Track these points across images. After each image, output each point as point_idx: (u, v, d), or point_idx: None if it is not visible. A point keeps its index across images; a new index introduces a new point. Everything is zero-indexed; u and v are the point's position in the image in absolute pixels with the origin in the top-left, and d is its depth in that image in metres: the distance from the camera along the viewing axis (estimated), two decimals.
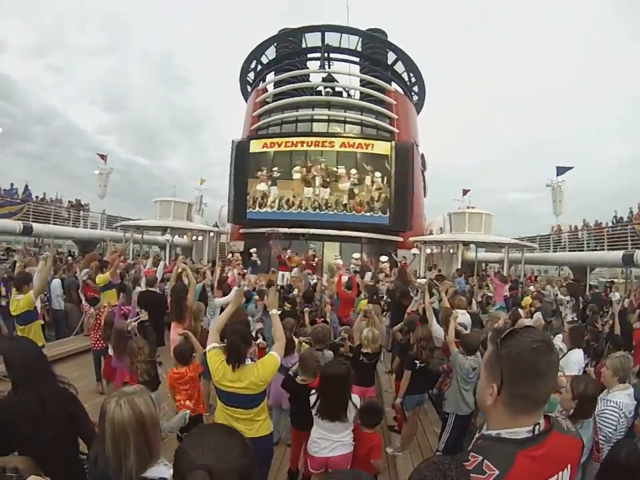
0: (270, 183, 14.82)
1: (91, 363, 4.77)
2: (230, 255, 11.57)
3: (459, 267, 12.50)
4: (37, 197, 15.81)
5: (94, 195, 18.96)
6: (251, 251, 12.03)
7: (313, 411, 2.58)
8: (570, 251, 14.48)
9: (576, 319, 6.68)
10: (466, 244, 13.72)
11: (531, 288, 9.43)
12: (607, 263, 12.36)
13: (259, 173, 14.87)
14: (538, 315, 6.03)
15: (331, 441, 2.54)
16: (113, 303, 5.41)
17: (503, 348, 0.95)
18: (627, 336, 4.88)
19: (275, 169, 14.85)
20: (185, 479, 0.74)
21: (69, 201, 17.52)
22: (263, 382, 2.40)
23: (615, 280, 13.07)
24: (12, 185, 15.02)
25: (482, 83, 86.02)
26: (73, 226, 15.98)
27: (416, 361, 3.58)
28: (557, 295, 8.51)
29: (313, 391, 2.61)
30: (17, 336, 3.98)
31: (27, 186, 15.59)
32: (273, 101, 16.66)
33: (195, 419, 3.04)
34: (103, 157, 19.33)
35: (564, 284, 10.09)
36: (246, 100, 18.63)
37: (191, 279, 5.09)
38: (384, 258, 11.54)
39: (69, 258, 11.01)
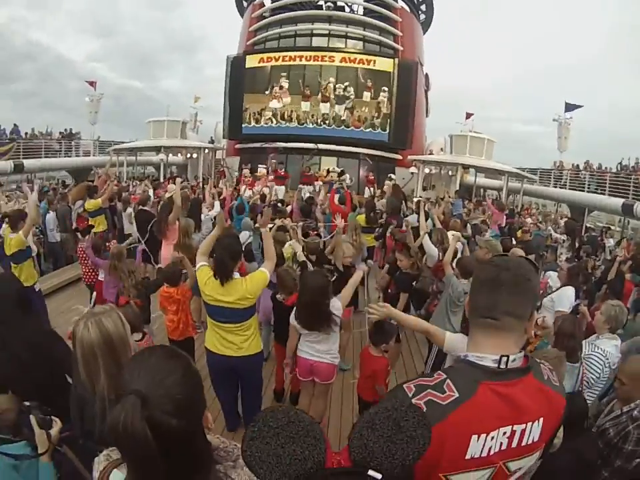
0: (283, 99, 14.23)
1: (86, 292, 4.72)
2: (226, 169, 11.43)
3: (457, 189, 12.39)
4: (25, 133, 15.25)
5: (87, 124, 18.37)
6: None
7: (291, 319, 2.57)
8: (570, 189, 14.17)
9: (569, 258, 6.54)
10: (466, 167, 13.48)
11: (528, 220, 9.22)
12: (606, 208, 12.11)
13: (274, 90, 14.28)
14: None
15: (315, 349, 2.56)
16: (103, 228, 5.46)
17: None
18: (619, 284, 4.89)
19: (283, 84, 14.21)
20: (117, 403, 0.66)
21: (60, 132, 16.95)
22: (251, 296, 2.40)
23: (612, 226, 12.98)
24: None
25: (495, 5, 77.85)
26: (65, 156, 15.52)
27: (413, 284, 3.52)
28: (550, 233, 8.33)
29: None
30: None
31: (15, 125, 15.04)
32: (270, 16, 15.54)
33: (185, 342, 3.13)
34: (92, 83, 18.49)
35: (562, 221, 9.89)
36: (242, 16, 17.44)
37: (177, 199, 4.96)
38: (394, 176, 11.48)
39: (61, 188, 10.72)
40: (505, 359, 0.85)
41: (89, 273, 4.47)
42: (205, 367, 2.60)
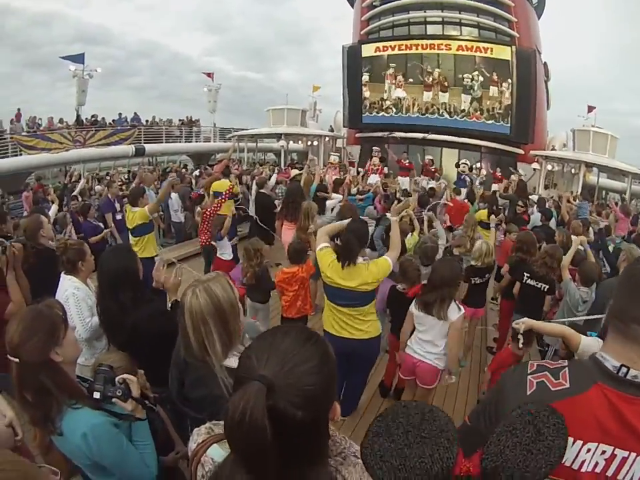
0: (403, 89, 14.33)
1: (202, 265, 4.81)
2: (347, 159, 11.83)
3: (579, 189, 11.74)
4: (146, 120, 16.09)
5: (206, 113, 18.78)
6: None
7: (411, 307, 2.55)
8: None
9: None
10: (589, 165, 12.69)
11: None
12: None
13: (398, 78, 14.45)
14: None
15: (423, 348, 2.52)
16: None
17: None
18: None
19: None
20: (240, 388, 0.60)
21: (180, 119, 17.91)
22: (373, 281, 2.40)
23: None
24: (120, 114, 15.30)
25: None
26: (186, 142, 16.54)
27: (525, 273, 3.28)
28: None
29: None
30: (115, 246, 4.06)
31: (135, 113, 15.79)
32: (380, 4, 15.71)
33: (299, 320, 3.18)
34: (209, 75, 19.65)
35: None
36: (352, 6, 17.75)
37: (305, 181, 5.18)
38: (521, 171, 11.17)
39: (183, 170, 11.56)
40: (624, 369, 0.75)
41: (207, 236, 4.49)
42: None
